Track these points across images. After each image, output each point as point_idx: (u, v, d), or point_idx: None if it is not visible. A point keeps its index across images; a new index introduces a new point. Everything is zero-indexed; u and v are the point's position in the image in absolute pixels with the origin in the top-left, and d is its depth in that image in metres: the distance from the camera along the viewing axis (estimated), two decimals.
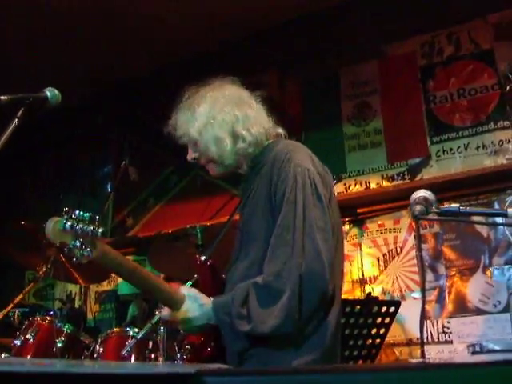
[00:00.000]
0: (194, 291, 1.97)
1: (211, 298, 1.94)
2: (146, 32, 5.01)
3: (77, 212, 1.66)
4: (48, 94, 2.17)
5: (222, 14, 4.81)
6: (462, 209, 1.58)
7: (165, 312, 2.00)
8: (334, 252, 1.86)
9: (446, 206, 1.59)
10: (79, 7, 4.63)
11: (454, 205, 1.60)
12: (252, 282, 1.84)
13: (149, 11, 4.76)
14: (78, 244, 1.65)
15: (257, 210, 1.99)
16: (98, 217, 1.69)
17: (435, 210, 1.58)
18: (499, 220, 3.39)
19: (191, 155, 2.15)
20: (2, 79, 4.72)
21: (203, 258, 2.30)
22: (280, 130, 2.20)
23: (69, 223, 1.64)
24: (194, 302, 1.92)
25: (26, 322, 3.18)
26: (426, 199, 1.63)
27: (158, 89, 5.41)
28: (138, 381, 0.73)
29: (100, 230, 1.68)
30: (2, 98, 2.06)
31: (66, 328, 3.13)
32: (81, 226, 1.65)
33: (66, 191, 5.96)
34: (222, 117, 2.05)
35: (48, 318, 3.16)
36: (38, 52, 5.16)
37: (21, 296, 3.28)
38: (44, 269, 3.32)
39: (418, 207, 1.58)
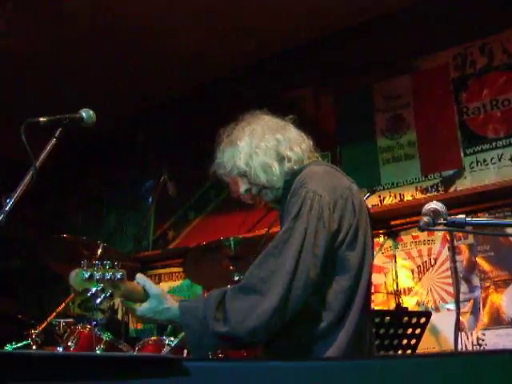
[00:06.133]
0: (160, 292, 1.98)
1: (178, 301, 1.97)
2: (183, 53, 5.19)
3: (97, 262, 1.90)
4: (84, 114, 2.33)
5: (257, 31, 4.94)
6: (468, 220, 1.62)
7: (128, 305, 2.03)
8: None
9: (453, 217, 1.63)
10: (120, 27, 4.84)
11: (461, 216, 1.65)
12: (230, 287, 1.90)
13: (187, 35, 4.94)
14: (99, 289, 1.87)
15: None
16: (116, 262, 1.92)
17: (442, 222, 1.63)
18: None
19: (242, 187, 2.20)
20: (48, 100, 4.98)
21: (236, 278, 2.41)
22: (315, 152, 2.26)
23: (88, 273, 1.88)
24: (158, 304, 1.94)
25: (69, 331, 3.34)
26: (435, 211, 1.68)
27: (195, 107, 5.58)
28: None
29: (119, 274, 1.91)
30: (41, 119, 2.22)
31: (106, 336, 3.25)
32: (100, 273, 1.89)
33: (109, 206, 6.19)
34: (264, 144, 2.13)
35: (88, 326, 3.30)
36: (83, 73, 5.39)
37: (62, 306, 3.43)
38: None
39: (425, 219, 1.64)
